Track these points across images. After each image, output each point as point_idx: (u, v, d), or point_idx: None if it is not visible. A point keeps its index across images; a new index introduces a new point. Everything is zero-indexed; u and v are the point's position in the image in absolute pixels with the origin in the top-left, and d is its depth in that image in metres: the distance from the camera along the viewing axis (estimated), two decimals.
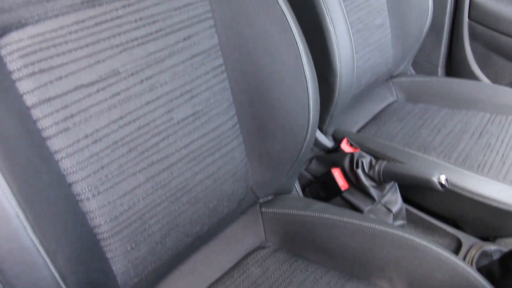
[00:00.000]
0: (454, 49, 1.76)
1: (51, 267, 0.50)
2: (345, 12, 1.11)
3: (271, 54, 0.81)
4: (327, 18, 1.06)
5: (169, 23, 0.71)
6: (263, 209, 0.99)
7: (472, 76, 1.71)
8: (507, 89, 1.44)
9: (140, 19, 0.66)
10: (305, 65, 0.81)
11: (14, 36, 0.55)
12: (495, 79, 1.67)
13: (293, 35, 0.79)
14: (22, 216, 0.48)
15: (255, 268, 0.92)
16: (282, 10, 0.78)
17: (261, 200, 1.01)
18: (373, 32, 1.36)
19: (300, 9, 1.00)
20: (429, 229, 1.19)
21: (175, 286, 0.87)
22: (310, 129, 0.86)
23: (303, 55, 0.81)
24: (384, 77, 1.54)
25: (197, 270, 0.90)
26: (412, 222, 1.22)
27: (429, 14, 1.47)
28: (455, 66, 1.78)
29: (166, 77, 0.71)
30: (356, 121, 1.44)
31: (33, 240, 0.48)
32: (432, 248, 0.82)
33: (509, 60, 1.62)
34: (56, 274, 0.51)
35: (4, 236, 0.47)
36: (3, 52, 0.54)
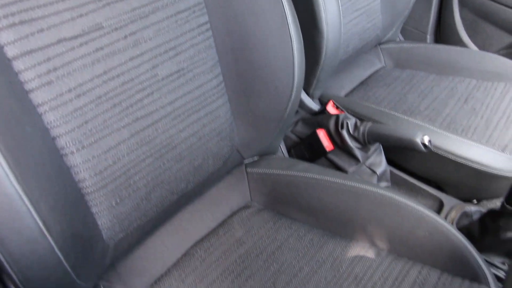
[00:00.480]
0: (443, 16, 1.76)
1: (35, 215, 0.51)
2: None
3: (256, 13, 0.81)
4: None
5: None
6: (248, 170, 1.01)
7: (460, 43, 1.72)
8: (494, 56, 1.45)
9: None
10: (291, 25, 0.81)
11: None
12: (483, 46, 1.68)
13: (281, 2, 0.79)
14: (4, 164, 0.48)
15: (240, 226, 0.93)
16: None
17: (246, 161, 1.02)
18: None
19: None
20: (412, 191, 1.22)
21: (160, 244, 0.88)
22: (295, 89, 0.86)
23: (289, 15, 0.81)
24: (373, 43, 1.54)
25: (182, 228, 0.92)
26: (396, 183, 1.25)
27: None
28: (443, 33, 1.78)
29: (150, 33, 0.71)
30: (343, 86, 1.45)
31: (16, 188, 0.49)
32: (413, 206, 0.83)
33: (497, 27, 1.62)
34: (40, 223, 0.52)
35: None
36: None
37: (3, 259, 0.51)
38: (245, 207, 0.99)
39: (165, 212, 0.84)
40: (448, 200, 1.15)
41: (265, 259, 0.86)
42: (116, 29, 0.66)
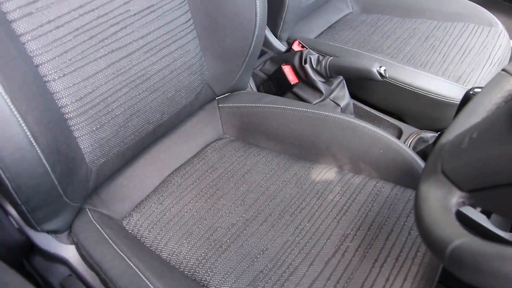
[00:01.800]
0: None
1: (23, 124, 0.58)
2: None
3: None
4: None
5: None
6: (220, 105, 1.08)
7: None
8: None
9: None
10: None
11: None
12: None
13: None
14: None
15: (213, 155, 1.01)
16: None
17: (218, 97, 1.09)
18: None
19: None
20: (374, 122, 1.31)
21: (140, 172, 0.96)
22: (258, 23, 0.93)
23: None
24: None
25: (159, 158, 0.99)
26: (359, 116, 1.33)
27: None
28: None
29: None
30: (312, 30, 1.51)
31: (4, 98, 0.56)
32: (369, 128, 0.92)
33: None
34: (28, 132, 0.59)
35: None
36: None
37: None
38: (218, 139, 1.07)
39: (142, 142, 0.92)
40: (407, 129, 1.24)
41: (236, 181, 0.94)
42: None
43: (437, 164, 0.53)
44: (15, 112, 0.57)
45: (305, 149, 0.98)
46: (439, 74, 1.20)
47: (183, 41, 0.90)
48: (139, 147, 0.92)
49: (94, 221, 0.83)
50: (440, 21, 1.46)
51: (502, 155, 0.43)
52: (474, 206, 0.51)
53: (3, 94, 0.56)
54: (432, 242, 0.42)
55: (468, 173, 0.47)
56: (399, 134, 1.24)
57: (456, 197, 0.47)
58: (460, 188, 0.48)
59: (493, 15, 1.43)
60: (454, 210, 0.47)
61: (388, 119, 1.28)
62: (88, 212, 0.85)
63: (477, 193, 0.46)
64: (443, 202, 0.47)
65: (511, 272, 0.32)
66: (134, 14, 0.80)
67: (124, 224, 0.88)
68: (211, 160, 1.00)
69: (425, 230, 0.44)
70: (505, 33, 1.37)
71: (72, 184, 0.75)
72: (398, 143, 0.90)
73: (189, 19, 0.91)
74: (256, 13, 0.91)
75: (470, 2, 1.49)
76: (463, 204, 0.48)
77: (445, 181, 0.49)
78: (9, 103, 0.57)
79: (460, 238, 0.39)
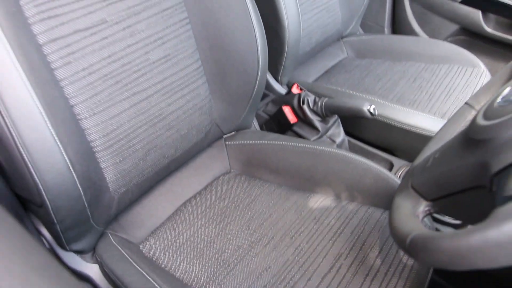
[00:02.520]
0: (396, 10, 1.97)
1: (64, 154, 0.70)
2: None
3: (225, 8, 1.00)
4: None
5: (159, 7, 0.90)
6: (227, 142, 1.20)
7: (413, 32, 1.94)
8: (440, 42, 1.66)
9: None
10: (253, 18, 1.00)
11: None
12: (432, 35, 1.90)
13: None
14: (43, 113, 0.68)
15: (220, 187, 1.12)
16: None
17: (225, 136, 1.21)
18: None
19: None
20: (367, 156, 1.42)
21: (155, 202, 1.07)
22: (260, 70, 1.06)
23: (251, 10, 1.00)
24: (335, 37, 1.75)
25: (173, 189, 1.10)
26: (354, 151, 1.45)
27: None
28: (398, 25, 2.00)
29: (142, 26, 0.90)
30: (309, 74, 1.64)
31: (51, 131, 0.68)
32: (360, 160, 1.03)
33: (442, 17, 1.84)
34: (67, 160, 0.71)
35: (30, 126, 0.67)
36: (21, 2, 0.73)
37: (41, 188, 0.70)
38: (225, 173, 1.18)
39: (158, 174, 1.03)
40: (397, 162, 1.35)
41: (241, 210, 1.05)
42: (116, 22, 0.85)
43: (408, 181, 0.64)
44: (58, 143, 0.69)
45: (303, 180, 1.09)
46: (426, 111, 1.32)
47: (194, 85, 1.02)
48: (155, 179, 1.04)
49: (115, 243, 0.93)
50: (428, 64, 1.59)
51: (455, 168, 0.54)
52: (437, 212, 0.61)
53: (50, 128, 0.68)
54: (398, 237, 0.53)
55: (431, 185, 0.58)
56: (390, 167, 1.35)
57: (422, 206, 0.58)
58: (425, 198, 0.59)
59: (475, 57, 1.56)
60: (421, 216, 0.58)
61: (380, 154, 1.39)
62: (110, 236, 0.95)
63: (438, 201, 0.57)
64: (412, 210, 0.58)
65: (448, 248, 0.43)
66: (153, 62, 0.93)
67: (141, 248, 0.98)
68: (219, 192, 1.11)
69: (394, 229, 0.55)
70: (486, 73, 1.50)
71: (98, 209, 0.86)
72: (387, 173, 1.01)
73: (200, 66, 1.04)
74: (258, 61, 1.04)
75: (455, 46, 1.62)
76: (429, 211, 0.58)
77: (413, 193, 0.60)
78: (54, 136, 0.69)
79: (415, 231, 0.49)
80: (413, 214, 0.57)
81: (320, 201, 1.05)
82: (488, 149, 0.50)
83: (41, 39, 0.75)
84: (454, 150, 0.58)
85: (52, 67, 0.77)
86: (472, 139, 0.54)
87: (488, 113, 0.54)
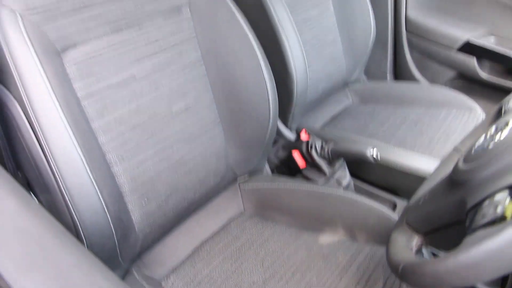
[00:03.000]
0: (397, 58, 2.09)
1: (100, 196, 0.80)
2: (296, 32, 1.43)
3: (239, 63, 1.11)
4: (283, 37, 1.38)
5: (167, 42, 1.01)
6: (241, 186, 1.28)
7: (414, 78, 2.05)
8: (439, 87, 1.77)
9: (148, 40, 0.97)
10: (264, 72, 1.11)
11: (70, 52, 0.85)
12: (432, 80, 2.01)
13: (254, 49, 1.09)
14: (84, 160, 0.78)
15: (235, 228, 1.20)
16: (245, 31, 1.08)
17: (239, 179, 1.30)
18: (326, 47, 1.68)
19: (261, 29, 1.31)
20: (372, 197, 1.49)
21: (175, 241, 1.15)
22: (271, 119, 1.15)
23: (263, 65, 1.10)
24: (340, 84, 1.86)
25: (192, 230, 1.19)
26: (359, 192, 1.52)
27: (372, 30, 1.79)
28: (399, 71, 2.11)
29: (166, 80, 1.01)
30: (317, 120, 1.74)
31: (89, 175, 0.78)
32: (365, 201, 1.11)
33: (440, 64, 1.95)
34: (103, 201, 0.81)
35: (72, 172, 0.77)
36: (64, 60, 0.84)
37: (79, 226, 0.79)
38: (239, 214, 1.26)
39: (179, 216, 1.11)
40: (400, 202, 1.43)
41: (255, 249, 1.12)
42: (143, 78, 0.96)
43: (403, 219, 0.72)
44: (96, 187, 0.79)
45: (312, 220, 1.17)
46: (426, 154, 1.41)
47: (212, 133, 1.12)
48: (176, 219, 1.12)
49: (139, 280, 1.01)
50: (428, 108, 1.68)
51: (441, 206, 0.63)
52: (429, 245, 0.69)
53: (89, 173, 0.78)
54: (393, 266, 0.62)
55: (422, 221, 0.66)
56: (394, 207, 1.43)
57: (415, 240, 0.67)
58: (418, 232, 0.67)
59: (473, 101, 1.66)
60: (415, 249, 0.66)
61: (384, 194, 1.47)
62: (135, 272, 1.03)
63: (429, 235, 0.65)
64: (406, 243, 0.66)
65: (430, 272, 0.51)
66: (175, 113, 1.03)
67: (163, 285, 1.05)
68: (234, 232, 1.19)
69: (390, 260, 0.63)
70: (483, 116, 1.59)
71: (125, 247, 0.95)
72: (390, 212, 1.09)
73: (217, 116, 1.14)
74: (269, 111, 1.14)
75: (453, 91, 1.73)
76: (421, 245, 0.67)
77: (408, 229, 0.69)
78: (92, 180, 0.78)
79: (406, 260, 0.58)
80: (407, 246, 0.66)
81: (329, 239, 1.12)
82: (466, 189, 0.59)
83: (79, 94, 0.86)
84: (441, 190, 0.67)
85: (89, 118, 0.87)
86: (454, 181, 0.64)
87: (467, 158, 0.63)
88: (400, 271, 0.58)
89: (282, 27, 1.37)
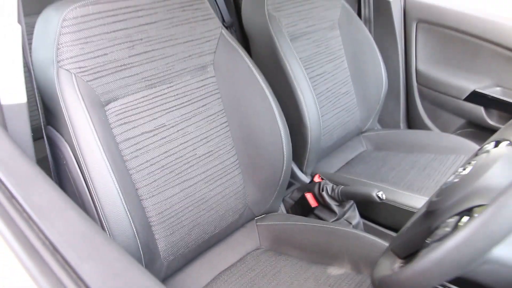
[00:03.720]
0: (410, 107, 2.23)
1: (132, 224, 0.95)
2: (310, 86, 1.59)
3: (256, 115, 1.26)
4: (298, 91, 1.54)
5: (193, 96, 1.18)
6: (258, 223, 1.42)
7: (425, 127, 2.17)
8: (448, 135, 1.89)
9: (177, 94, 1.14)
10: (279, 123, 1.26)
11: (112, 104, 1.02)
12: (443, 128, 2.13)
13: (270, 103, 1.24)
14: (120, 193, 0.94)
15: (251, 260, 1.33)
16: (262, 86, 1.25)
17: (256, 218, 1.43)
18: (340, 98, 1.84)
19: (278, 83, 1.47)
20: (380, 237, 1.60)
21: (196, 271, 1.28)
22: (285, 164, 1.29)
23: (277, 117, 1.25)
24: (355, 133, 2.00)
25: (211, 261, 1.32)
26: (368, 232, 1.63)
27: (384, 83, 1.94)
28: (412, 120, 2.24)
29: (192, 128, 1.17)
30: (331, 166, 1.88)
31: (124, 207, 0.93)
32: (369, 237, 1.23)
33: (450, 113, 2.08)
34: (134, 230, 0.96)
35: (110, 203, 0.93)
36: (107, 112, 1.01)
37: None
38: (256, 249, 1.39)
39: (200, 247, 1.25)
40: None
41: (268, 279, 1.24)
42: (172, 126, 1.13)
43: (389, 246, 0.85)
44: (129, 216, 0.94)
45: (321, 254, 1.29)
46: (430, 195, 1.52)
47: (231, 175, 1.27)
48: (198, 250, 1.26)
49: None
50: (437, 154, 1.80)
51: (418, 232, 0.75)
52: None
53: (124, 204, 0.94)
54: (373, 282, 0.74)
55: (403, 246, 0.79)
56: None
57: (397, 263, 0.79)
58: (399, 256, 0.79)
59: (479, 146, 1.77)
60: (396, 271, 0.78)
61: (390, 233, 1.58)
62: None
63: (408, 258, 0.77)
64: (389, 266, 0.78)
65: (396, 281, 0.64)
66: (199, 157, 1.19)
67: None
68: (249, 264, 1.31)
69: (372, 278, 0.76)
70: None
71: (151, 272, 1.09)
72: None
73: (236, 160, 1.29)
74: (283, 157, 1.28)
75: (462, 138, 1.84)
76: (402, 267, 0.78)
77: (391, 254, 0.81)
78: (127, 210, 0.94)
79: (382, 275, 0.71)
80: (389, 268, 0.78)
81: (335, 271, 1.24)
82: (433, 217, 0.72)
83: (118, 139, 1.03)
84: (419, 220, 0.80)
85: (125, 159, 1.03)
86: (428, 211, 0.77)
87: (438, 192, 0.76)
88: (377, 284, 0.71)
89: (297, 82, 1.54)
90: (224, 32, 1.25)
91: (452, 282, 0.67)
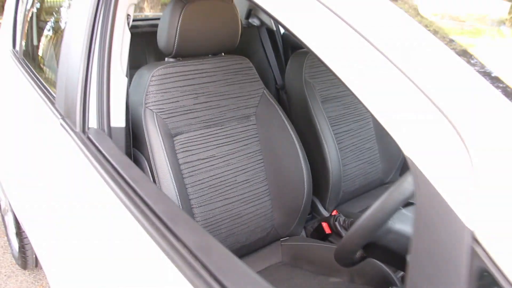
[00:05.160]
0: None
1: None
2: (335, 141, 1.97)
3: (285, 155, 1.65)
4: (324, 144, 1.92)
5: (238, 137, 1.60)
6: (282, 243, 1.78)
7: None
8: None
9: (226, 134, 1.56)
10: (302, 164, 1.64)
11: (179, 136, 1.46)
12: None
13: (297, 149, 1.63)
14: (179, 201, 1.34)
15: (272, 270, 1.69)
16: (292, 136, 1.64)
17: (281, 239, 1.79)
18: (363, 152, 2.20)
19: (307, 134, 1.87)
20: None
21: None
22: (305, 196, 1.66)
23: (301, 159, 1.63)
24: (377, 183, 2.33)
25: None
26: None
27: None
28: None
29: (235, 161, 1.58)
30: (351, 208, 2.21)
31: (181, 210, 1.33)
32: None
33: None
34: None
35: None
36: (175, 142, 1.44)
37: None
38: (278, 262, 1.75)
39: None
40: None
41: (283, 282, 1.60)
42: (220, 157, 1.54)
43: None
44: None
45: (327, 268, 1.63)
46: None
47: (262, 200, 1.66)
48: None
49: None
50: None
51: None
52: (368, 257, 1.13)
53: (181, 208, 1.34)
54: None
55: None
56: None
57: (359, 252, 1.13)
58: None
59: None
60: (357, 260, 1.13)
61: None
62: None
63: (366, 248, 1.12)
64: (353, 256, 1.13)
65: (340, 246, 0.99)
66: (238, 183, 1.59)
67: None
68: (270, 271, 1.67)
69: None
70: None
71: None
72: (384, 267, 1.53)
73: (267, 188, 1.68)
74: (304, 191, 1.65)
75: None
76: (362, 256, 1.12)
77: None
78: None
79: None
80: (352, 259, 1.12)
81: (335, 280, 1.58)
82: None
83: (181, 161, 1.45)
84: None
85: (184, 176, 1.45)
86: None
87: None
88: (335, 256, 1.05)
89: (323, 137, 1.93)
90: (266, 92, 1.68)
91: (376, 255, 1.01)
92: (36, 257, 2.31)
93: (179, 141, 1.46)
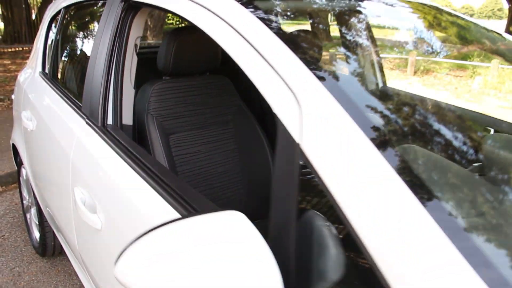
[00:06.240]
0: None
1: None
2: None
3: (256, 153, 2.12)
4: None
5: (219, 138, 2.08)
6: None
7: None
8: None
9: (209, 135, 2.03)
10: (270, 161, 2.11)
11: (173, 135, 1.93)
12: None
13: (265, 147, 2.10)
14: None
15: None
16: (260, 136, 2.11)
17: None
18: None
19: None
20: None
21: None
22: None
23: (268, 153, 2.11)
24: None
25: None
26: None
27: None
28: None
29: (216, 156, 2.04)
30: None
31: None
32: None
33: None
34: None
35: None
36: (170, 139, 1.91)
37: None
38: None
39: None
40: None
41: None
42: (204, 153, 2.01)
43: None
44: None
45: None
46: None
47: (237, 187, 2.11)
48: None
49: None
50: None
51: None
52: None
53: None
54: None
55: None
56: None
57: None
58: None
59: None
60: None
61: None
62: None
63: None
64: None
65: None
66: (219, 173, 2.05)
67: None
68: None
69: None
70: None
71: None
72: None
73: (241, 179, 2.14)
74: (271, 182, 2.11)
75: None
76: None
77: None
78: None
79: None
80: None
81: None
82: None
83: (174, 154, 1.91)
84: None
85: (176, 165, 1.91)
86: None
87: None
88: None
89: None
90: (241, 104, 2.15)
91: None
92: (54, 245, 2.76)
93: (173, 138, 1.93)
